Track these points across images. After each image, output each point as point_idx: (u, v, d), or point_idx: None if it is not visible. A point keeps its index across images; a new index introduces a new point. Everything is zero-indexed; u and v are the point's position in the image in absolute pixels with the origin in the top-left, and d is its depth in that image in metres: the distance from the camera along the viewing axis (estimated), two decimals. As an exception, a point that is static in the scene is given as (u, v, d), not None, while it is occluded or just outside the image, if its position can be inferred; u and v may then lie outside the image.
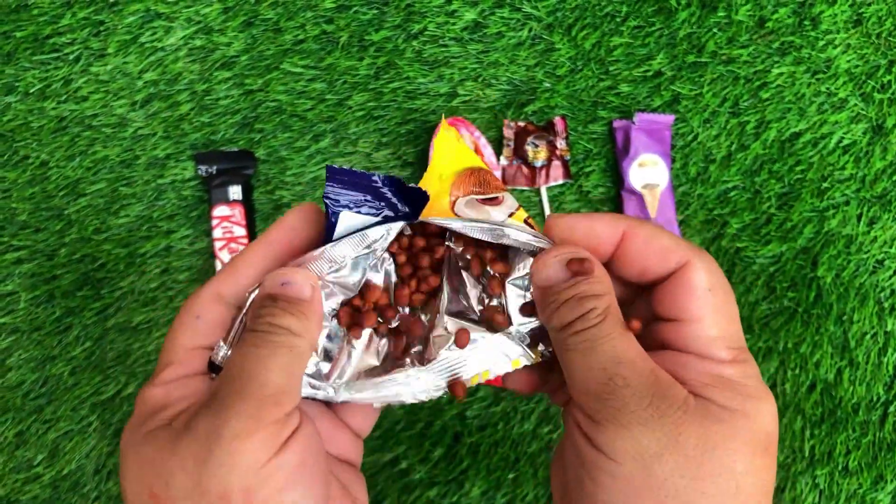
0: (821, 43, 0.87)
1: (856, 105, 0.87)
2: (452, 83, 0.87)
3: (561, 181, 0.86)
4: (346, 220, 0.28)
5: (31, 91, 0.86)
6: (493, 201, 0.29)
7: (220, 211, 0.84)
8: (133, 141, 0.86)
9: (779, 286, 0.86)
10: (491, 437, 0.84)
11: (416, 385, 0.29)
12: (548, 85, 0.87)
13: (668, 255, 0.27)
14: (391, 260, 0.31)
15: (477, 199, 0.29)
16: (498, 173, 0.85)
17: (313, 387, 0.29)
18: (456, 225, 0.28)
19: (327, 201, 0.28)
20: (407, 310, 0.31)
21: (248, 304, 0.28)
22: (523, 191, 0.87)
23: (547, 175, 0.86)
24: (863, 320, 0.85)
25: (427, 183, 0.31)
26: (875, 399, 0.85)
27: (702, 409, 0.25)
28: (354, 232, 0.28)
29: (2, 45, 0.86)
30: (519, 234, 0.28)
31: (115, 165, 0.86)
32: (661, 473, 0.24)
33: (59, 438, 0.84)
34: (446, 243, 0.31)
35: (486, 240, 0.29)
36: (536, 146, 0.85)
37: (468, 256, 0.30)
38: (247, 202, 0.85)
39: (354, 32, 0.86)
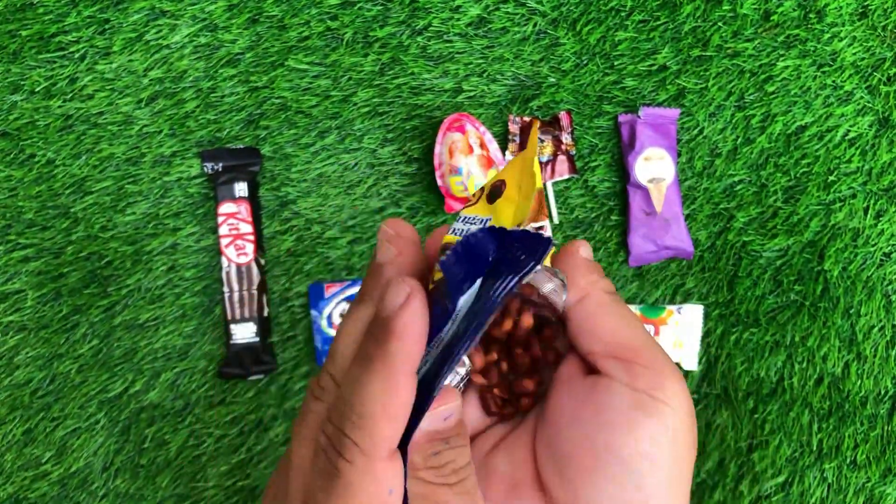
0: (826, 36, 0.86)
1: (862, 98, 0.86)
2: (457, 79, 0.87)
3: (566, 176, 0.86)
4: (461, 303, 0.23)
5: (37, 89, 0.86)
6: (541, 230, 0.27)
7: (226, 208, 0.84)
8: (139, 139, 0.86)
9: (785, 280, 0.86)
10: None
11: None
12: (553, 80, 0.87)
13: None
14: None
15: (533, 228, 0.26)
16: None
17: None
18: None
19: (449, 277, 0.22)
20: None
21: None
22: (529, 186, 0.87)
23: (552, 170, 0.86)
24: (870, 313, 0.85)
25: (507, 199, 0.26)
26: (883, 392, 0.85)
27: None
28: (474, 322, 0.22)
29: (7, 44, 0.86)
30: None
31: (122, 163, 0.86)
32: None
33: (66, 436, 0.84)
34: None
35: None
36: (542, 141, 0.85)
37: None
38: (253, 199, 0.85)
39: (359, 29, 0.87)
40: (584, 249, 0.27)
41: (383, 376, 0.20)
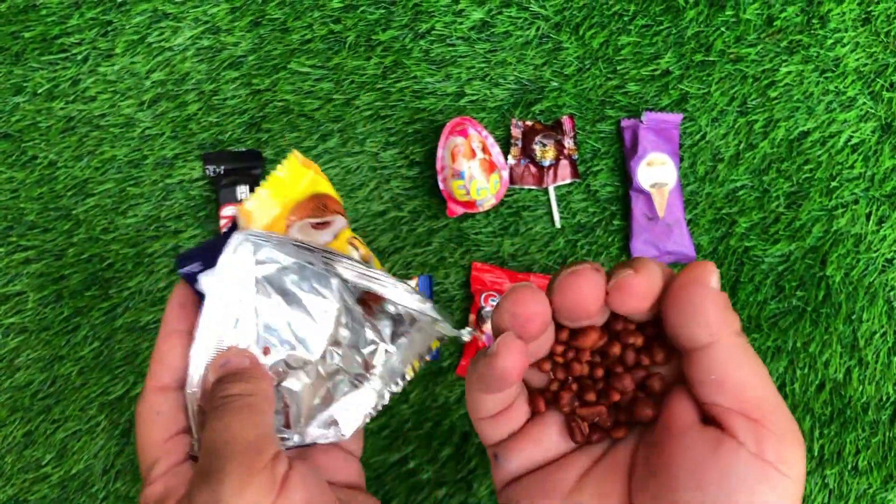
0: (829, 41, 0.86)
1: (864, 104, 0.86)
2: (460, 82, 0.87)
3: (569, 180, 0.86)
4: (206, 282, 0.31)
5: (40, 91, 0.86)
6: (324, 225, 0.32)
7: (228, 211, 0.84)
8: (141, 141, 0.86)
9: (787, 285, 0.85)
10: (499, 437, 0.84)
11: (364, 400, 0.33)
12: (555, 84, 0.87)
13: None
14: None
15: (310, 223, 0.32)
16: (506, 172, 0.85)
17: (283, 439, 0.32)
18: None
19: (183, 276, 0.32)
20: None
21: (190, 400, 0.30)
22: (531, 190, 0.87)
23: (555, 174, 0.86)
24: (872, 319, 0.85)
25: (263, 203, 0.32)
26: (885, 398, 0.84)
27: None
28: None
29: (10, 46, 0.86)
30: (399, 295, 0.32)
31: (123, 165, 0.86)
32: None
33: (67, 438, 0.84)
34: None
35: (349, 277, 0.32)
36: (544, 145, 0.85)
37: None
38: (254, 202, 0.85)
39: (362, 32, 0.86)
40: (714, 278, 0.25)
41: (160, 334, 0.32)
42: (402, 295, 0.31)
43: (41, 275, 0.85)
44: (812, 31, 0.87)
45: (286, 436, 0.32)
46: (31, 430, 0.84)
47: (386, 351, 0.33)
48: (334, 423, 0.32)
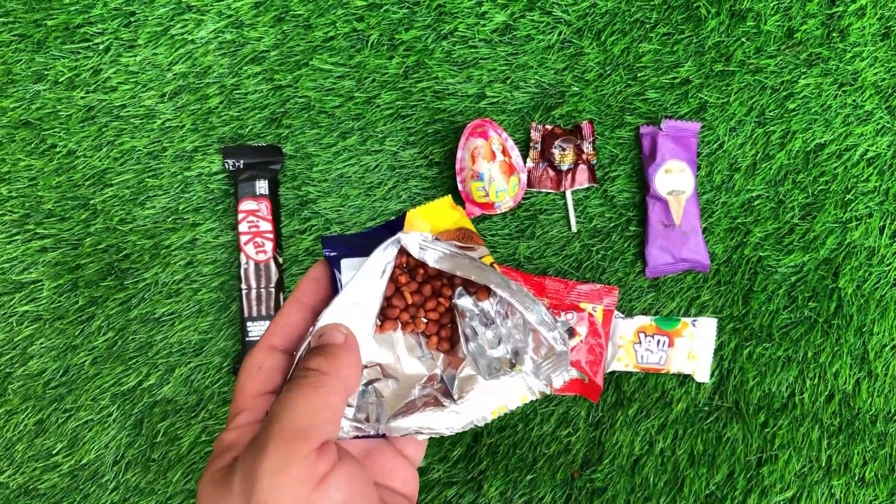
0: (848, 55, 0.87)
1: (882, 118, 0.87)
2: (481, 84, 0.87)
3: (586, 185, 0.87)
4: (347, 265, 0.34)
5: (61, 80, 0.86)
6: (468, 249, 0.35)
7: (246, 205, 0.84)
8: (161, 133, 0.86)
9: (800, 296, 0.86)
10: (510, 439, 0.84)
11: (444, 419, 0.34)
12: (576, 89, 0.87)
13: None
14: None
15: (455, 244, 0.35)
16: (525, 175, 0.86)
17: (359, 428, 0.33)
18: (438, 248, 0.34)
19: (327, 256, 0.34)
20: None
21: (296, 360, 0.32)
22: (549, 194, 0.87)
23: (573, 179, 0.86)
24: (883, 332, 0.86)
25: (415, 221, 0.36)
26: (893, 411, 0.85)
27: None
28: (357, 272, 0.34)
29: (32, 34, 0.86)
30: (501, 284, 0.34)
31: (143, 157, 0.86)
32: None
33: (78, 428, 0.84)
34: (454, 301, 0.36)
35: (462, 275, 0.34)
36: (563, 149, 0.86)
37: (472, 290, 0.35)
38: (273, 197, 0.85)
39: (384, 31, 0.87)
40: None
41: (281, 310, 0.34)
42: (537, 317, 0.33)
43: (57, 263, 0.85)
44: (832, 45, 0.87)
45: (362, 426, 0.33)
46: (42, 418, 0.84)
47: (479, 384, 0.34)
48: (411, 428, 0.34)
